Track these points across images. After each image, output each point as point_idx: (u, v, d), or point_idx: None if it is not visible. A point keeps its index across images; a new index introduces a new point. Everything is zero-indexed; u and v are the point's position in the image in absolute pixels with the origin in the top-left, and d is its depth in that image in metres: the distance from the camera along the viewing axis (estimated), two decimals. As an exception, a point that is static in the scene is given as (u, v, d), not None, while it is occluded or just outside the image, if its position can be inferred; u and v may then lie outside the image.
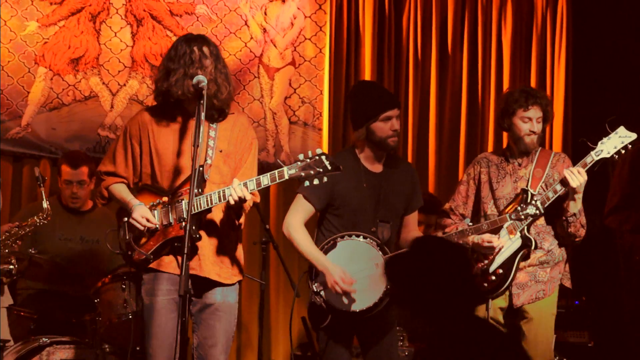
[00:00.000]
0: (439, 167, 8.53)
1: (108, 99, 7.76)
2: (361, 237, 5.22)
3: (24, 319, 6.06)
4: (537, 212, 5.37)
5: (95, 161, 6.37)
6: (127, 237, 4.73)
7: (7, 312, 5.48)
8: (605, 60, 8.53)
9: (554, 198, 5.49)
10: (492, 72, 8.64)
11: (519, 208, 5.40)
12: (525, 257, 5.61)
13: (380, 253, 5.21)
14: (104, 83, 7.75)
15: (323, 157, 4.47)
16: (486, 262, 5.60)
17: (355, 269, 5.17)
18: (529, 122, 5.66)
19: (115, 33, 7.80)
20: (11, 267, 5.20)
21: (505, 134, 8.41)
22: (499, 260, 5.59)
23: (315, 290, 5.17)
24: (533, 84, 8.61)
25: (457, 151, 8.58)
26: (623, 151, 5.48)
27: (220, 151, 4.76)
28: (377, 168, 5.39)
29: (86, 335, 6.10)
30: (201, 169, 4.59)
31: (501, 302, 5.64)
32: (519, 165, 5.75)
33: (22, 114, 7.53)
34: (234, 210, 4.71)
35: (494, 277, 5.59)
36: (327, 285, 5.12)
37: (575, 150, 8.18)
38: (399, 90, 8.48)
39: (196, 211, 4.54)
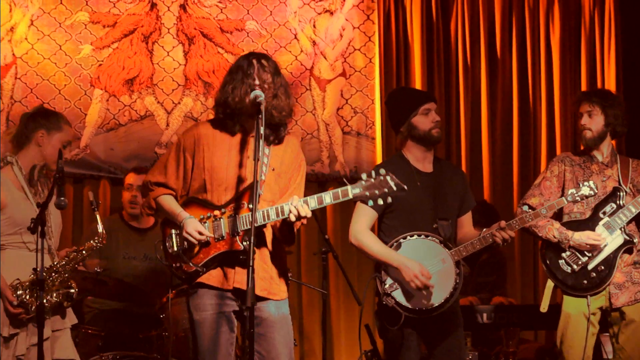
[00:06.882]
0: (493, 172, 8.52)
1: (163, 118, 7.86)
2: (423, 235, 5.27)
3: (92, 337, 6.13)
4: (592, 192, 5.37)
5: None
6: (176, 249, 4.70)
7: (76, 330, 5.55)
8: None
9: None
10: (542, 75, 8.62)
11: (573, 191, 5.41)
12: (629, 252, 5.67)
13: (445, 249, 5.26)
14: (158, 102, 7.86)
15: (388, 178, 4.45)
16: (585, 259, 5.64)
17: None
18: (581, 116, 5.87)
19: (168, 52, 7.91)
20: (72, 291, 5.24)
21: (558, 137, 8.50)
22: (600, 257, 5.63)
23: (386, 292, 5.21)
24: (583, 84, 8.60)
25: (510, 155, 8.57)
26: None
27: (273, 169, 4.74)
28: (427, 168, 5.46)
29: (153, 350, 6.18)
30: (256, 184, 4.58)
31: (600, 302, 5.67)
32: (605, 165, 5.81)
33: (80, 135, 7.66)
34: (288, 226, 4.67)
35: (594, 274, 5.62)
36: (404, 280, 5.15)
37: (629, 149, 8.18)
38: (450, 96, 8.50)
39: (255, 225, 4.46)
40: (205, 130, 4.80)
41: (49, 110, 5.50)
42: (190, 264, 4.65)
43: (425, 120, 5.38)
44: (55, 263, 5.17)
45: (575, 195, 5.39)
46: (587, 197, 5.41)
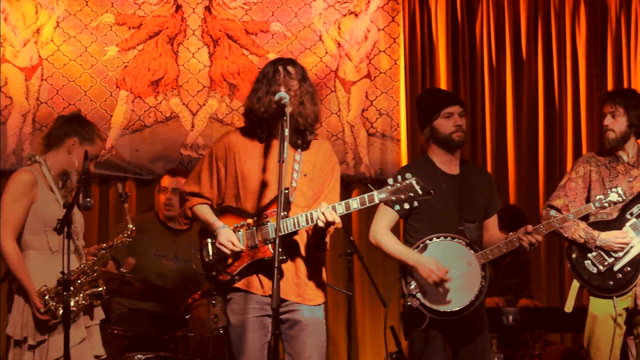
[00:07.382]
0: (518, 174, 8.48)
1: (189, 119, 7.87)
2: (449, 237, 5.25)
3: (118, 337, 6.15)
4: (620, 199, 5.39)
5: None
6: (211, 258, 4.77)
7: (102, 330, 5.57)
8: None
9: None
10: (568, 76, 8.58)
11: (601, 197, 5.41)
12: None
13: (471, 251, 5.23)
14: (184, 103, 7.87)
15: (413, 182, 4.54)
16: (611, 260, 5.62)
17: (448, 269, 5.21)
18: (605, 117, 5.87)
19: (193, 54, 7.92)
20: (100, 289, 5.27)
21: (584, 139, 8.45)
22: (627, 258, 5.62)
23: (411, 293, 5.19)
24: (610, 85, 8.55)
25: (536, 157, 8.53)
26: None
27: (305, 175, 4.78)
28: (453, 170, 5.44)
29: (179, 351, 6.19)
30: (286, 191, 4.60)
31: (627, 302, 5.65)
32: (631, 165, 5.77)
33: (106, 137, 7.65)
34: (318, 232, 4.71)
35: (620, 275, 5.61)
36: (422, 278, 5.14)
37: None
38: (475, 98, 8.47)
39: (284, 233, 4.56)
40: (235, 138, 4.86)
41: (86, 120, 5.54)
42: (226, 273, 4.72)
43: (446, 123, 5.36)
44: (82, 265, 5.18)
45: (603, 201, 5.39)
46: (614, 203, 5.43)
